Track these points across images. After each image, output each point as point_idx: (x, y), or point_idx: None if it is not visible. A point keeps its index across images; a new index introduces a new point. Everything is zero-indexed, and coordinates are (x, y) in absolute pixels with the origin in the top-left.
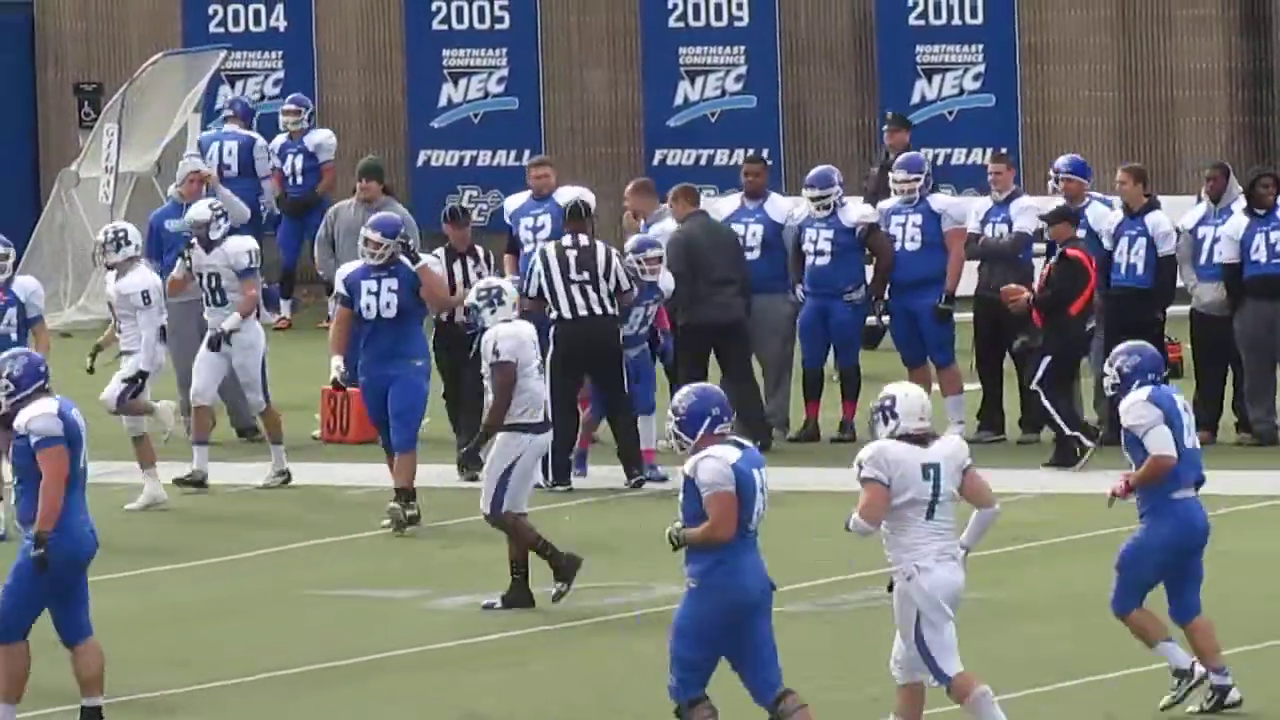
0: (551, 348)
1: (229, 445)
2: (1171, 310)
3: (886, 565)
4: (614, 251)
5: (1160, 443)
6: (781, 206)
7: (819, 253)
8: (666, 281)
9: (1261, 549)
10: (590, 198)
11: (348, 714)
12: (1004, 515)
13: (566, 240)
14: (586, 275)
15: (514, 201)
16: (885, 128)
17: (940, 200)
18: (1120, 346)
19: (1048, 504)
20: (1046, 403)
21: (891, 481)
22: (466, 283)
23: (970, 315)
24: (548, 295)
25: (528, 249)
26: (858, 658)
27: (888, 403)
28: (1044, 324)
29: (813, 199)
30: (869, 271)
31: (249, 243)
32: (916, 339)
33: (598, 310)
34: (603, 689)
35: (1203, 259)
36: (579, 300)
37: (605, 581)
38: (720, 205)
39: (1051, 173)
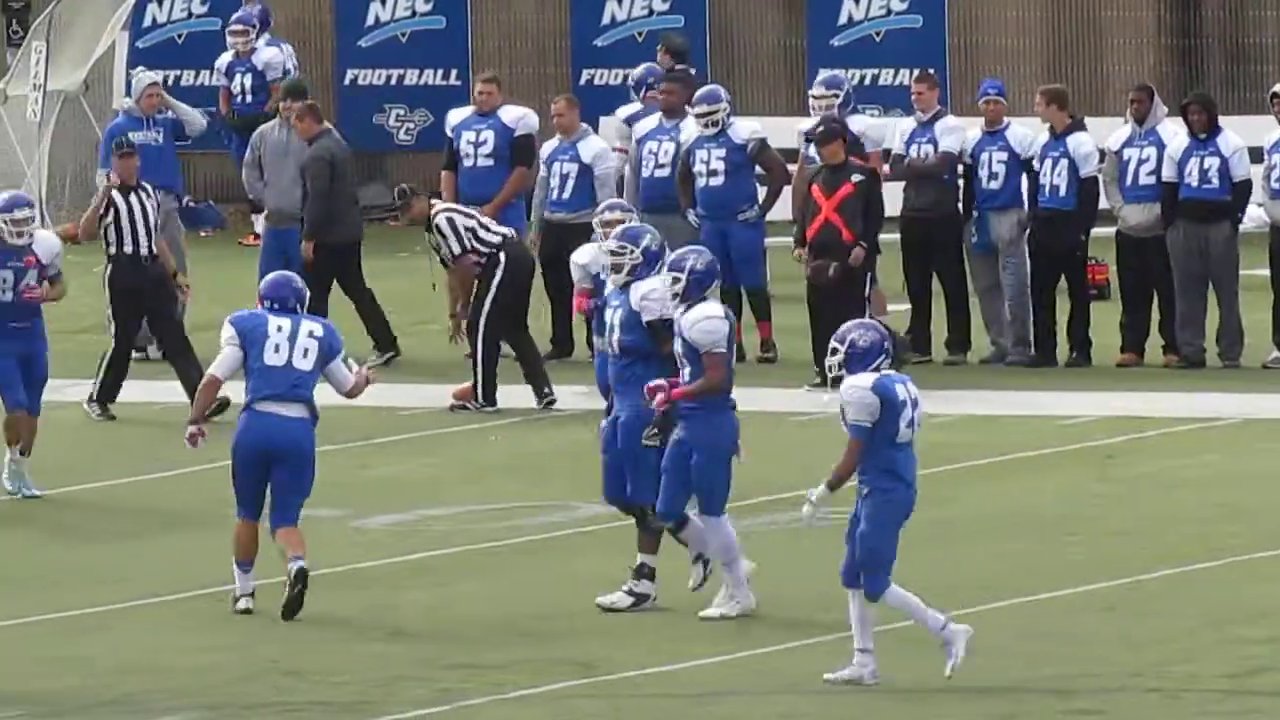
0: (502, 273)
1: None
2: (1097, 231)
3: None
4: None
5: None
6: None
7: (711, 173)
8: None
9: (1190, 474)
10: (534, 120)
11: (276, 632)
12: (932, 436)
13: None
14: None
15: (456, 115)
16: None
17: (860, 122)
18: (851, 323)
19: (976, 425)
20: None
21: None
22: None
23: (895, 237)
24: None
25: (467, 163)
26: (788, 579)
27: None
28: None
29: (700, 116)
30: (762, 191)
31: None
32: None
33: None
34: (532, 606)
35: (1128, 180)
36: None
37: (530, 501)
38: (640, 125)
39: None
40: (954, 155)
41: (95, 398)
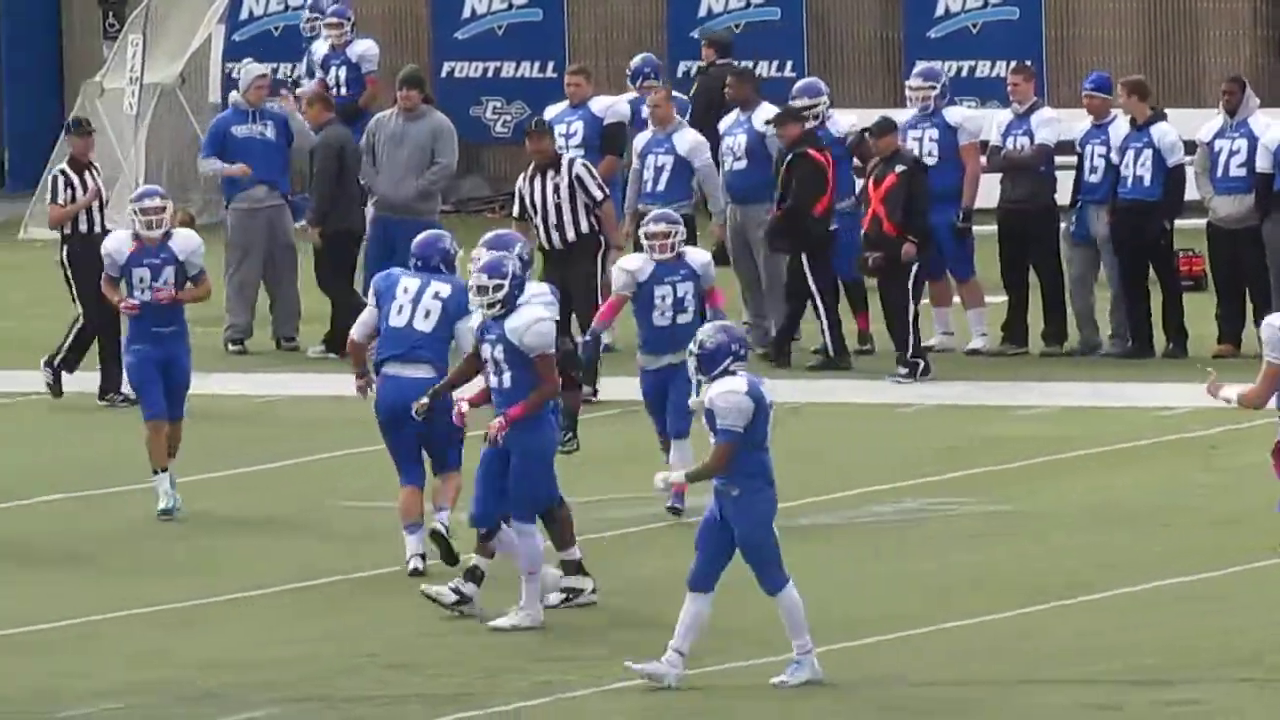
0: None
1: (260, 355)
2: (1187, 224)
3: (899, 479)
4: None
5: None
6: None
7: None
8: None
9: None
10: (624, 108)
11: (375, 626)
12: (1026, 428)
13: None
14: None
15: (552, 111)
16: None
17: (956, 113)
18: (707, 326)
19: (1070, 417)
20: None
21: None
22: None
23: (992, 228)
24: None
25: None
26: (880, 569)
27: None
28: (788, 226)
29: (801, 109)
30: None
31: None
32: (934, 252)
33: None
34: (631, 598)
35: (1219, 172)
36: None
37: (626, 493)
38: (724, 122)
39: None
40: (1050, 147)
41: (52, 363)
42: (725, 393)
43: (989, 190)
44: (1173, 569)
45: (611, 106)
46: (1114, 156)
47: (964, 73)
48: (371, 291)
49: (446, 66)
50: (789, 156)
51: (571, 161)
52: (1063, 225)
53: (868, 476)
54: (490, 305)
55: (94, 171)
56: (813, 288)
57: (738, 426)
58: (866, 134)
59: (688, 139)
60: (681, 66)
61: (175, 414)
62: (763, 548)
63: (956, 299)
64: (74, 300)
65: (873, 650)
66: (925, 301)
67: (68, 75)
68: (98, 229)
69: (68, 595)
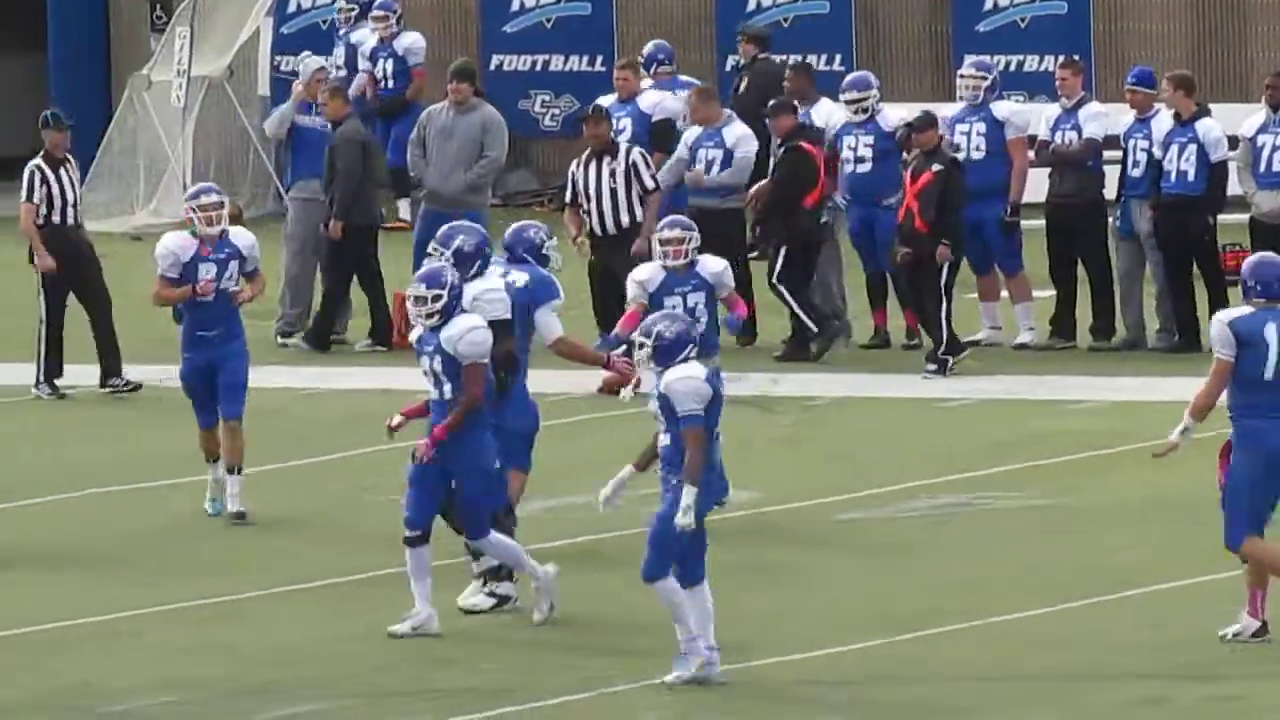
0: None
1: (301, 349)
2: (1230, 219)
3: (943, 474)
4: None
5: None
6: (826, 110)
7: (859, 159)
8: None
9: None
10: (675, 106)
11: None
12: (1072, 423)
13: None
14: None
15: (603, 103)
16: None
17: (1004, 108)
18: (655, 315)
19: (1117, 412)
20: (786, 294)
21: None
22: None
23: (1041, 223)
24: None
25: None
26: (920, 566)
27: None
28: (776, 218)
29: (850, 102)
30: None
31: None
32: (981, 247)
33: None
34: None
35: (1262, 167)
36: None
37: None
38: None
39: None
40: (1098, 141)
41: (42, 380)
42: (684, 378)
43: (1037, 185)
44: (1220, 564)
45: (660, 103)
46: (1157, 151)
47: (1012, 67)
48: None
49: (495, 60)
50: (781, 148)
51: (629, 149)
52: (1110, 220)
53: (911, 472)
54: (429, 316)
55: (69, 167)
56: (780, 277)
57: (700, 410)
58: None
59: (736, 132)
60: (730, 60)
61: (229, 412)
62: (698, 537)
63: (1005, 293)
64: (38, 292)
65: (914, 645)
66: (973, 295)
67: (115, 68)
68: (70, 221)
69: (106, 592)
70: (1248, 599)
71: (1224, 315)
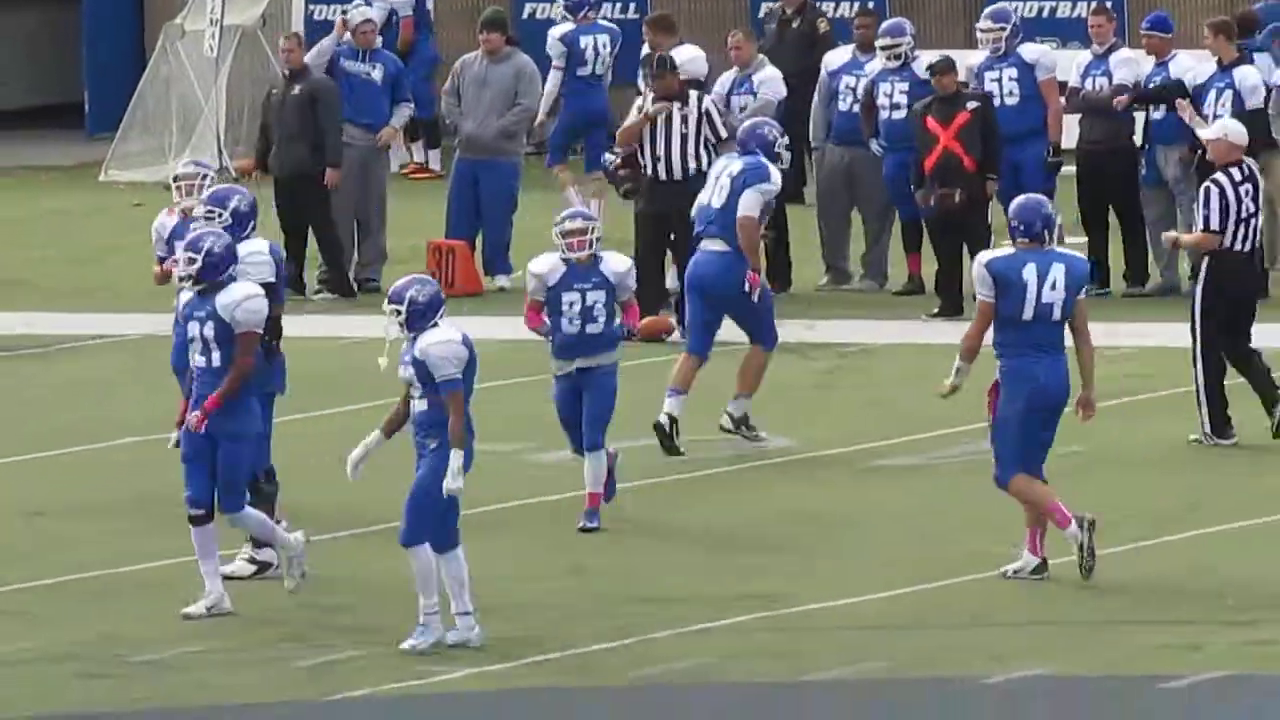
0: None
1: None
2: None
3: (981, 420)
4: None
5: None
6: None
7: (894, 106)
8: None
9: None
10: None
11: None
12: (1106, 369)
13: None
14: None
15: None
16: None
17: (1031, 50)
18: (405, 280)
19: (1150, 357)
20: None
21: None
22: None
23: (1073, 169)
24: None
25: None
26: (958, 511)
27: None
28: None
29: (884, 49)
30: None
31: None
32: (1018, 191)
33: None
34: (714, 540)
35: None
36: None
37: (718, 435)
38: (830, 56)
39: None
40: (1129, 87)
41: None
42: (441, 342)
43: (1068, 131)
44: (1259, 509)
45: (691, 60)
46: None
47: (1044, 13)
48: None
49: (528, 8)
50: (966, 104)
51: (701, 96)
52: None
53: (949, 418)
54: (194, 281)
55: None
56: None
57: (458, 374)
58: (930, 74)
59: (766, 76)
60: (763, 8)
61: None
62: (434, 503)
63: None
64: None
65: (948, 592)
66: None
67: (148, 17)
68: None
69: (154, 542)
70: (1027, 536)
71: (983, 256)
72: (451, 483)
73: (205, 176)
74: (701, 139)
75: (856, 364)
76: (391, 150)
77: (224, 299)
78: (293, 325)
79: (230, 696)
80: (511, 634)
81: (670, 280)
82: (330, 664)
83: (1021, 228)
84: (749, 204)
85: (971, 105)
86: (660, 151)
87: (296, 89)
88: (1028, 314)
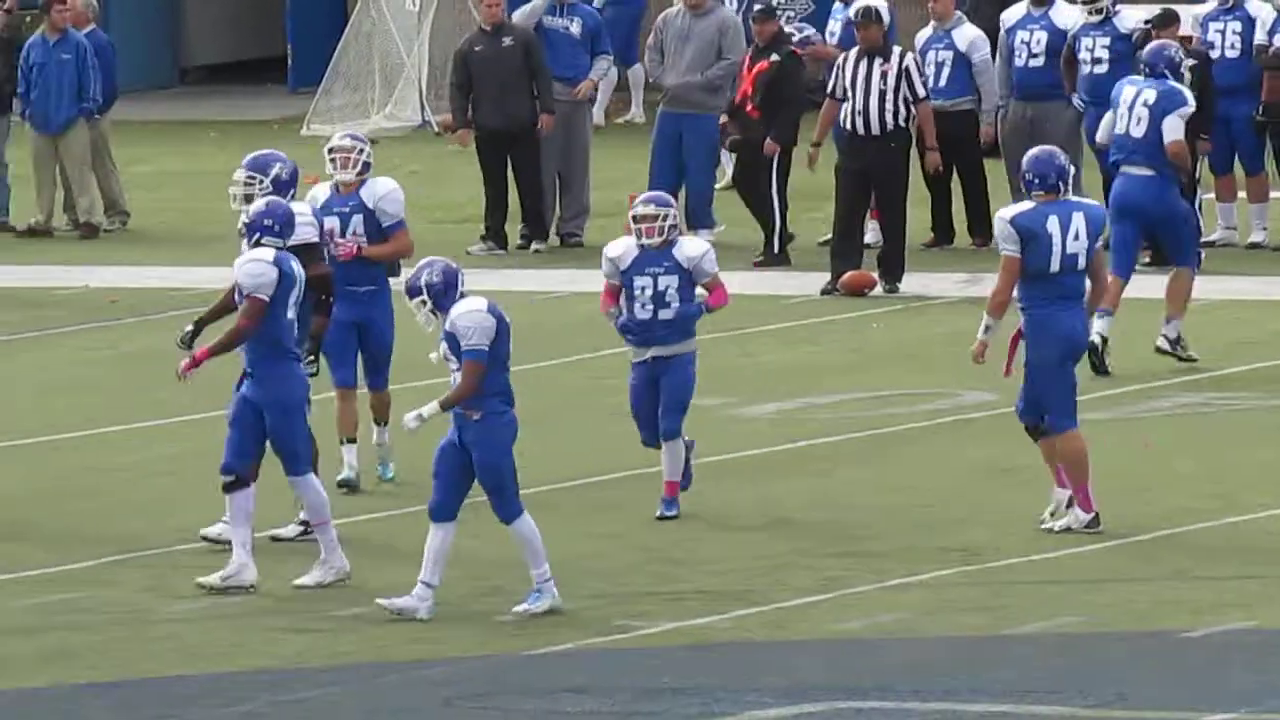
0: None
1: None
2: None
3: (1181, 375)
4: None
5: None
6: (1067, 14)
7: (1095, 60)
8: None
9: None
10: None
11: (655, 523)
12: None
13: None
14: None
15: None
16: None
17: (1257, 5)
18: (419, 266)
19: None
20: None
21: None
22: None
23: None
24: None
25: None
26: (1161, 464)
27: None
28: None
29: (1085, 3)
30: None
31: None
32: (1228, 146)
33: None
34: (915, 494)
35: None
36: None
37: (914, 389)
38: (1007, 13)
39: None
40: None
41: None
42: (468, 312)
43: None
44: None
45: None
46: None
47: None
48: None
49: None
50: (770, 55)
51: (903, 53)
52: None
53: (1150, 370)
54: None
55: None
56: (774, 186)
57: (485, 345)
58: (1150, 27)
59: (967, 34)
60: None
61: (374, 383)
62: (500, 473)
63: (1241, 193)
64: None
65: (1156, 544)
66: (1209, 195)
67: None
68: None
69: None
70: (1078, 497)
71: (1006, 212)
72: (410, 420)
73: (361, 150)
74: (900, 96)
75: None
76: (595, 105)
77: (237, 260)
78: (491, 280)
79: (440, 651)
80: (713, 587)
81: (870, 234)
82: (531, 619)
83: (1036, 180)
84: (1172, 129)
85: (1190, 63)
86: (859, 106)
87: (505, 41)
88: (1055, 266)
